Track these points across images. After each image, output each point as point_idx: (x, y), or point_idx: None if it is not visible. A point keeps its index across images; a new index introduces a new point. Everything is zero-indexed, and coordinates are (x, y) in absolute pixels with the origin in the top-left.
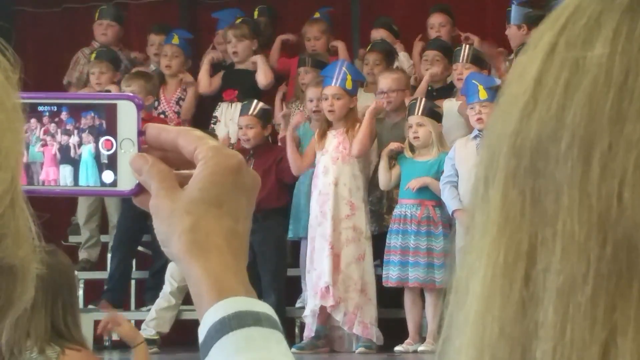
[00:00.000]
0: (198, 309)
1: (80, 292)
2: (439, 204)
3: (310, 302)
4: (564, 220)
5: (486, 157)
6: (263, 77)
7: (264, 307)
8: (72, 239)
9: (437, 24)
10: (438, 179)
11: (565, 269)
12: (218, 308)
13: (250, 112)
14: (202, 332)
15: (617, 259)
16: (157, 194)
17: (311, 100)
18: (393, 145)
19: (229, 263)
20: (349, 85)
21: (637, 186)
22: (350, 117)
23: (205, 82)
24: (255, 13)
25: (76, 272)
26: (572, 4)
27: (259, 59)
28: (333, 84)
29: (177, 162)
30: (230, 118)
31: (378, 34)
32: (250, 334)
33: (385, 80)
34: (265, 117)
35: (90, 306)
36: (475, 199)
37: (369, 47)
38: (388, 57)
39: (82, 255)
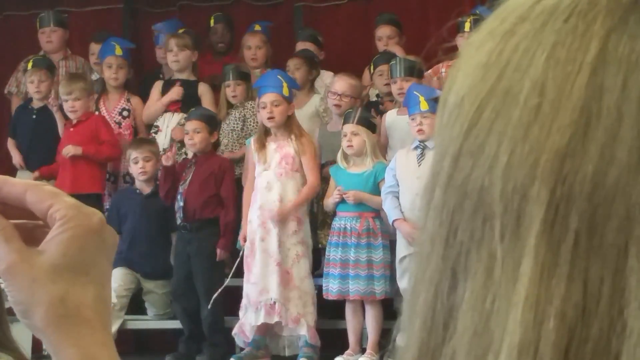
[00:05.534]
0: None
1: None
2: (378, 215)
3: (251, 317)
4: None
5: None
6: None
7: None
8: None
9: (384, 37)
10: (375, 189)
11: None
12: None
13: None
14: None
15: None
16: (9, 258)
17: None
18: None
19: (102, 340)
20: (285, 92)
21: None
22: (289, 125)
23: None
24: (212, 21)
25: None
26: (510, 20)
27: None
28: (270, 92)
29: (15, 214)
30: (172, 126)
31: (304, 46)
32: None
33: (342, 83)
34: (213, 123)
35: None
36: (426, 206)
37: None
38: (309, 63)
39: None
